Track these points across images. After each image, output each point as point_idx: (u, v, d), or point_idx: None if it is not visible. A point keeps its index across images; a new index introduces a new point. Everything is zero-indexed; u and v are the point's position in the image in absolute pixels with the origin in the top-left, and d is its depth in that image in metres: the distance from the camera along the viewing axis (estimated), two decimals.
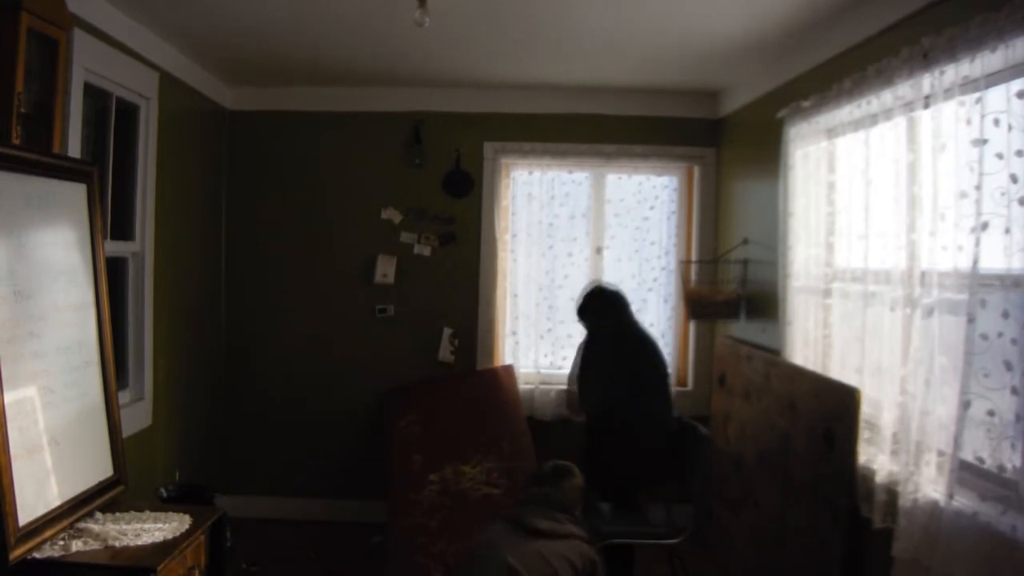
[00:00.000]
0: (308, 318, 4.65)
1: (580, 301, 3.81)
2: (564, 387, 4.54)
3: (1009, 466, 2.00)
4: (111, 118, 3.27)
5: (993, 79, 2.08)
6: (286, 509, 4.57)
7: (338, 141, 4.64)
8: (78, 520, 2.22)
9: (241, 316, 4.66)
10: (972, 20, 2.09)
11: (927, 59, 2.30)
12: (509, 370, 4.50)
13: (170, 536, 2.23)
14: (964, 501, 2.11)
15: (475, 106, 4.59)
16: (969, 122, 2.11)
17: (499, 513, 2.79)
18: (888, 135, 2.60)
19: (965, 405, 2.09)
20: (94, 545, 2.12)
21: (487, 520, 3.63)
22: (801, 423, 2.96)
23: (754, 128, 4.03)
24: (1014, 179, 1.96)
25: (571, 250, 4.67)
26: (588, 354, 3.77)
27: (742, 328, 4.05)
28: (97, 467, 2.41)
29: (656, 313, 4.67)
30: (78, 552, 2.08)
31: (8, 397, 1.96)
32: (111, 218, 3.26)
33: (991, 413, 2.06)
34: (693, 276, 4.43)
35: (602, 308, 3.73)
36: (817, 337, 3.14)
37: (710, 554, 3.84)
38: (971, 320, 2.08)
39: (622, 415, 3.49)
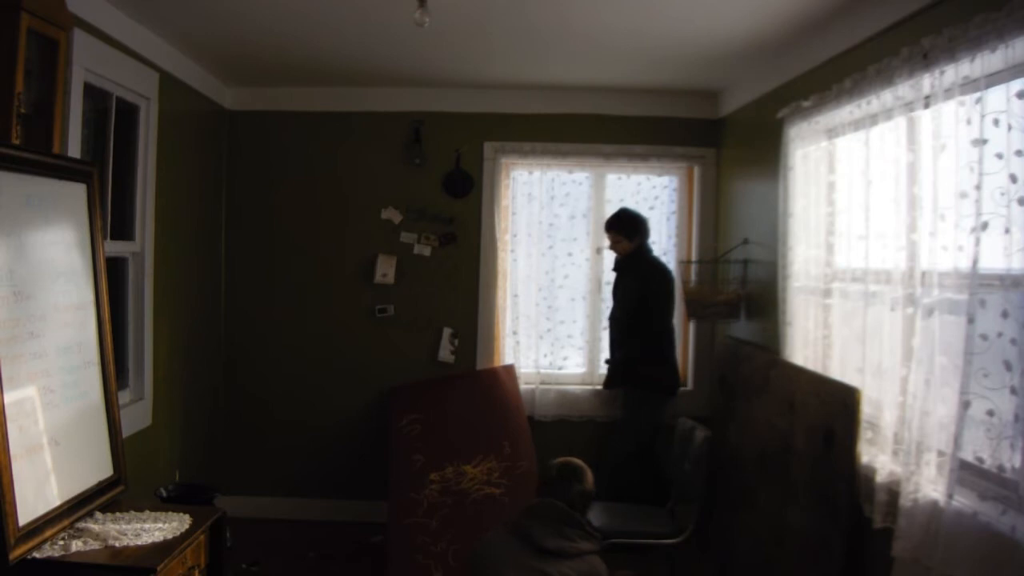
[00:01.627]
0: (308, 318, 4.65)
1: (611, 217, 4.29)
2: (565, 387, 4.58)
3: (1008, 466, 2.00)
4: (111, 118, 3.27)
5: (993, 79, 2.08)
6: (286, 509, 4.57)
7: (338, 141, 4.64)
8: (78, 520, 2.22)
9: (241, 316, 4.66)
10: (972, 20, 2.09)
11: (927, 59, 2.30)
12: (510, 370, 4.50)
13: (170, 536, 2.23)
14: (964, 501, 2.11)
15: (475, 106, 4.59)
16: (969, 122, 2.11)
17: (507, 521, 2.65)
18: (888, 135, 2.60)
19: (965, 405, 2.09)
20: (94, 545, 2.12)
21: (488, 520, 3.64)
22: (801, 423, 2.96)
23: (754, 128, 4.03)
24: (1014, 179, 1.96)
25: (571, 250, 4.67)
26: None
27: (742, 328, 4.06)
28: (97, 467, 2.41)
29: None
30: (78, 552, 2.08)
31: (8, 397, 1.96)
32: (111, 218, 3.26)
33: (991, 413, 2.07)
34: (693, 276, 4.43)
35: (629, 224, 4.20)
36: (817, 337, 3.14)
37: (710, 554, 3.84)
38: (971, 320, 2.08)
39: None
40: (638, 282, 4.13)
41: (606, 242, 4.34)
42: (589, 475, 2.70)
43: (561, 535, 2.48)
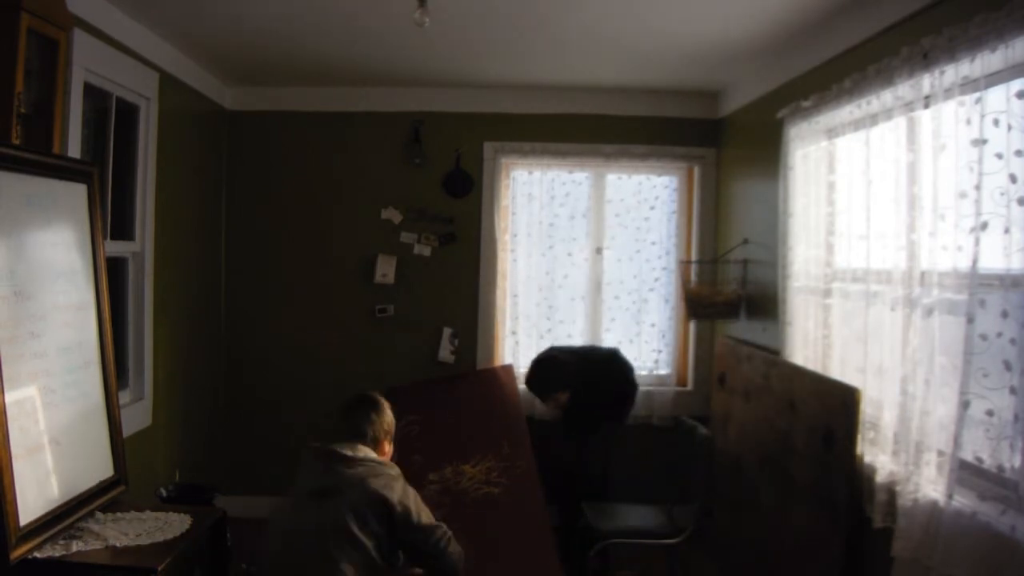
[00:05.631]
0: (308, 318, 4.65)
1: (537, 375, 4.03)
2: None
3: (1008, 466, 2.00)
4: (111, 118, 3.27)
5: (993, 79, 2.08)
6: None
7: (338, 141, 4.64)
8: (78, 520, 2.22)
9: (241, 316, 4.66)
10: (972, 20, 2.09)
11: (927, 59, 2.30)
12: (509, 370, 4.50)
13: (170, 536, 2.24)
14: (964, 501, 2.12)
15: (475, 106, 4.59)
16: (969, 122, 2.12)
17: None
18: (888, 135, 2.60)
19: (964, 405, 2.10)
20: (94, 545, 2.12)
21: (487, 520, 3.64)
22: (801, 423, 2.96)
23: (754, 128, 4.03)
24: (1013, 179, 1.96)
25: (571, 250, 4.67)
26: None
27: (742, 328, 4.06)
28: (97, 467, 2.41)
29: (657, 313, 4.67)
30: (78, 552, 2.08)
31: (8, 397, 1.96)
32: (111, 218, 3.26)
33: (990, 413, 2.07)
34: (693, 276, 4.43)
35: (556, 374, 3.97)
36: (817, 337, 3.14)
37: (710, 554, 3.84)
38: (970, 320, 2.08)
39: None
40: (611, 406, 4.04)
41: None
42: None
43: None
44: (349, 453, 2.52)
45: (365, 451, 2.57)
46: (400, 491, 2.48)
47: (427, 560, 2.55)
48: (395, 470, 2.57)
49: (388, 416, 2.80)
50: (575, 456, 4.05)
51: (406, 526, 2.44)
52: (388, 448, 2.76)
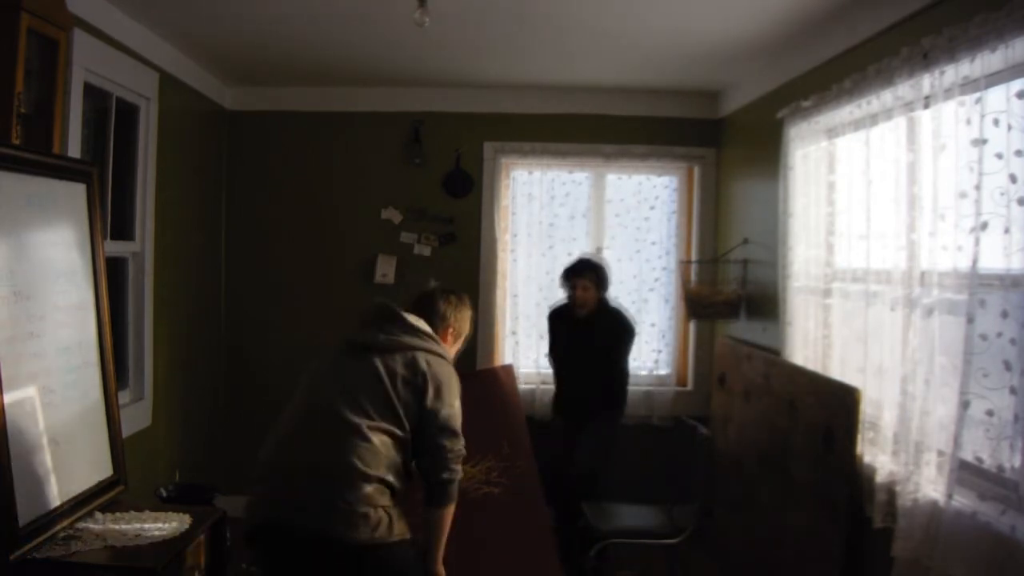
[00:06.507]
0: (308, 317, 4.65)
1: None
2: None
3: (1008, 466, 2.00)
4: (111, 118, 3.27)
5: (993, 79, 2.08)
6: None
7: (338, 141, 4.64)
8: (78, 520, 2.22)
9: (241, 316, 4.66)
10: (972, 20, 2.09)
11: (927, 59, 2.30)
12: (509, 370, 4.50)
13: (170, 536, 2.23)
14: (964, 501, 2.12)
15: (475, 106, 4.59)
16: (969, 122, 2.12)
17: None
18: (888, 135, 2.60)
19: (964, 405, 2.10)
20: (94, 545, 2.12)
21: (487, 520, 3.64)
22: (801, 423, 2.96)
23: (754, 128, 4.03)
24: (1014, 179, 1.96)
25: (571, 250, 4.66)
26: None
27: (742, 328, 4.05)
28: (97, 467, 2.41)
29: (657, 313, 4.67)
30: (78, 552, 2.07)
31: (8, 397, 1.96)
32: (111, 218, 3.26)
33: (990, 413, 2.07)
34: (693, 276, 4.43)
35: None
36: (817, 337, 3.14)
37: (710, 554, 3.84)
38: (970, 320, 2.08)
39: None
40: (614, 333, 3.99)
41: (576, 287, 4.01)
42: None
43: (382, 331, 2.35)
44: (412, 321, 2.34)
45: (429, 329, 2.38)
46: (447, 377, 2.30)
47: (425, 460, 2.34)
48: (451, 360, 2.38)
49: (468, 314, 2.62)
50: (565, 457, 4.03)
51: (431, 411, 2.25)
52: (452, 344, 2.56)
